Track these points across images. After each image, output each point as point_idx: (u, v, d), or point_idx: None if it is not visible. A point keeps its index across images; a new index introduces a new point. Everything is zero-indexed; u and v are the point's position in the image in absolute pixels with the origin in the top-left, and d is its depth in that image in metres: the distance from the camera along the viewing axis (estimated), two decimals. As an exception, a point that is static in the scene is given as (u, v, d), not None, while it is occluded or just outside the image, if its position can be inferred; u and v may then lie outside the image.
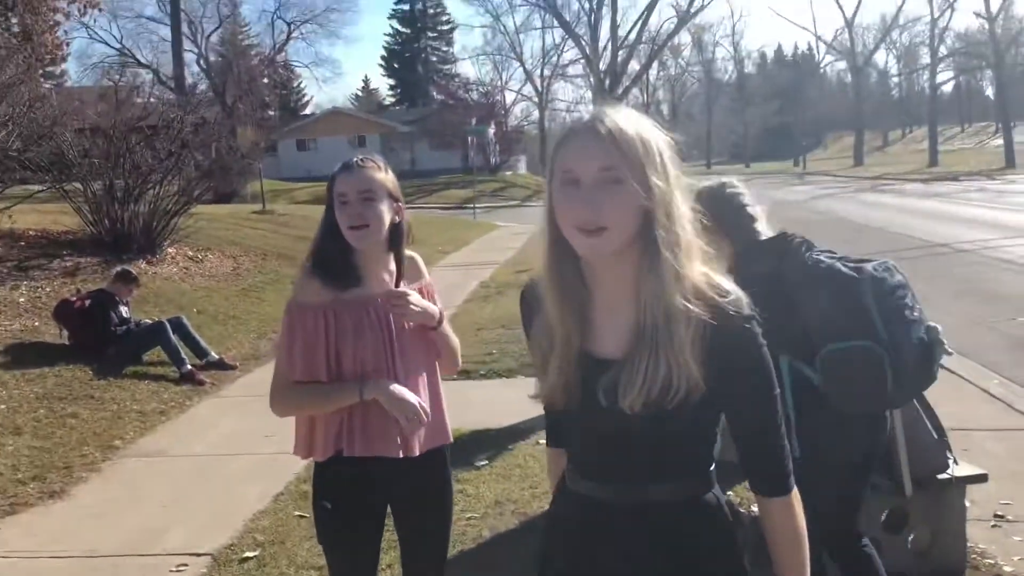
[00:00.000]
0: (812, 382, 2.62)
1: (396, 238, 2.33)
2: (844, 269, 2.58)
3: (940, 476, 3.30)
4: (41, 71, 11.99)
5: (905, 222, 18.07)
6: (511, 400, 6.36)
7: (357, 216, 2.21)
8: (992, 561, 3.60)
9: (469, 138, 33.51)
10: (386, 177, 2.28)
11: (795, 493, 1.50)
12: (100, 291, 7.86)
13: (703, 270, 1.44)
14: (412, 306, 2.26)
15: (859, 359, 2.53)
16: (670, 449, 1.48)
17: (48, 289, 9.08)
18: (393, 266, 2.37)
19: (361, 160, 2.27)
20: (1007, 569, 3.53)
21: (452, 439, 2.51)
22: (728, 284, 1.45)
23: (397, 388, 2.24)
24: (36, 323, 8.10)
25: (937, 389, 3.48)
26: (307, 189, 35.63)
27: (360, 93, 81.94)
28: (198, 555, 3.96)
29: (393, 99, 71.62)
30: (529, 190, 44.99)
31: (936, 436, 3.24)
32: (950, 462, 3.33)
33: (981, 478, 3.45)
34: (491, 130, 49.76)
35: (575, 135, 1.42)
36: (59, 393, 6.54)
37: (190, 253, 11.99)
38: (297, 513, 4.37)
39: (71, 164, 10.91)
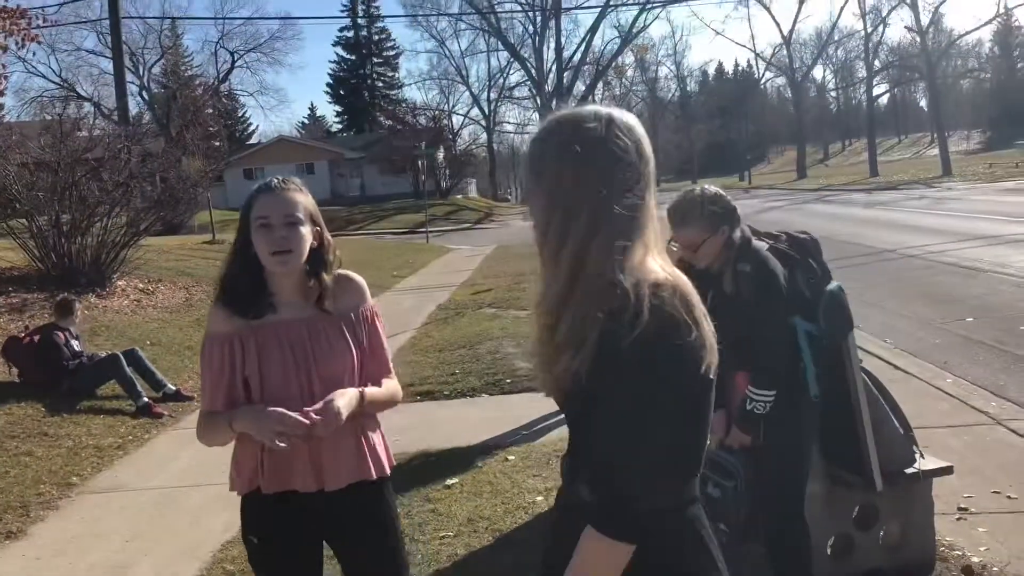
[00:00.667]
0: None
1: (317, 262, 2.20)
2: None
3: (908, 471, 3.36)
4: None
5: (852, 231, 18.48)
6: (476, 419, 6.36)
7: (281, 241, 2.09)
8: (960, 552, 3.67)
9: (419, 162, 33.50)
10: (308, 200, 2.17)
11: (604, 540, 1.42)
12: (49, 326, 7.68)
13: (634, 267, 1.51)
14: (337, 416, 2.07)
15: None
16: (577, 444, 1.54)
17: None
18: (314, 289, 2.22)
19: (282, 181, 2.15)
20: (975, 560, 3.60)
21: (388, 470, 2.32)
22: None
23: (268, 411, 2.05)
24: (-17, 361, 7.86)
25: (894, 389, 3.58)
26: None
27: (307, 120, 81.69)
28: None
29: (340, 126, 71.42)
30: (480, 212, 45.15)
31: (903, 431, 3.31)
32: (917, 456, 3.41)
33: (947, 471, 3.53)
34: (440, 153, 49.88)
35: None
36: (11, 431, 6.35)
37: (140, 285, 11.77)
38: (267, 541, 4.30)
39: (15, 199, 10.67)
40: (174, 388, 7.62)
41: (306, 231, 2.13)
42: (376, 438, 2.30)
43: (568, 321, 1.41)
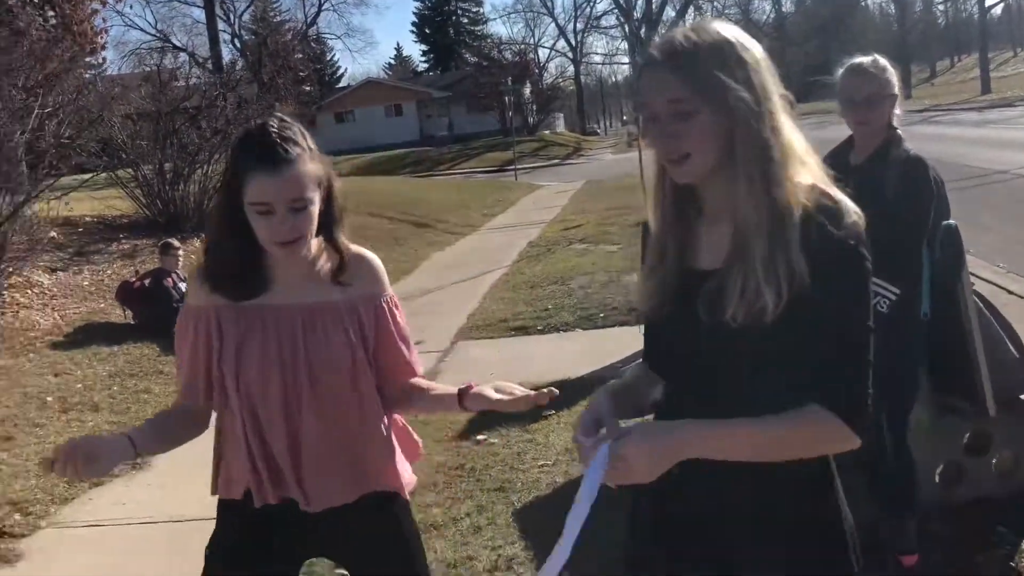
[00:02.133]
0: None
1: (327, 223, 1.77)
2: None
3: (1023, 396, 3.23)
4: (82, 61, 12.16)
5: (961, 151, 17.52)
6: (571, 353, 6.39)
7: (287, 231, 1.66)
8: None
9: (506, 98, 33.31)
10: (314, 165, 1.69)
11: (845, 429, 1.35)
12: (157, 270, 8.03)
13: (806, 180, 1.39)
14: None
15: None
16: (765, 375, 1.40)
17: (109, 272, 9.29)
18: (323, 263, 1.81)
19: (283, 146, 1.63)
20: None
21: (406, 490, 1.96)
22: (836, 193, 1.40)
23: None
24: (102, 304, 8.31)
25: (1007, 313, 3.41)
26: (348, 161, 35.81)
27: (393, 61, 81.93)
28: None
29: (426, 65, 71.43)
30: (568, 148, 44.75)
31: (1017, 354, 3.17)
32: (1032, 382, 3.26)
33: (1064, 396, 3.37)
34: (527, 89, 49.40)
35: (645, 68, 1.43)
36: (130, 370, 6.72)
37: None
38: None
39: (121, 149, 11.10)
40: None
41: (315, 207, 1.70)
42: (379, 452, 1.90)
43: (773, 236, 1.36)
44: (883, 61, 2.87)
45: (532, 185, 24.42)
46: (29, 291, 8.20)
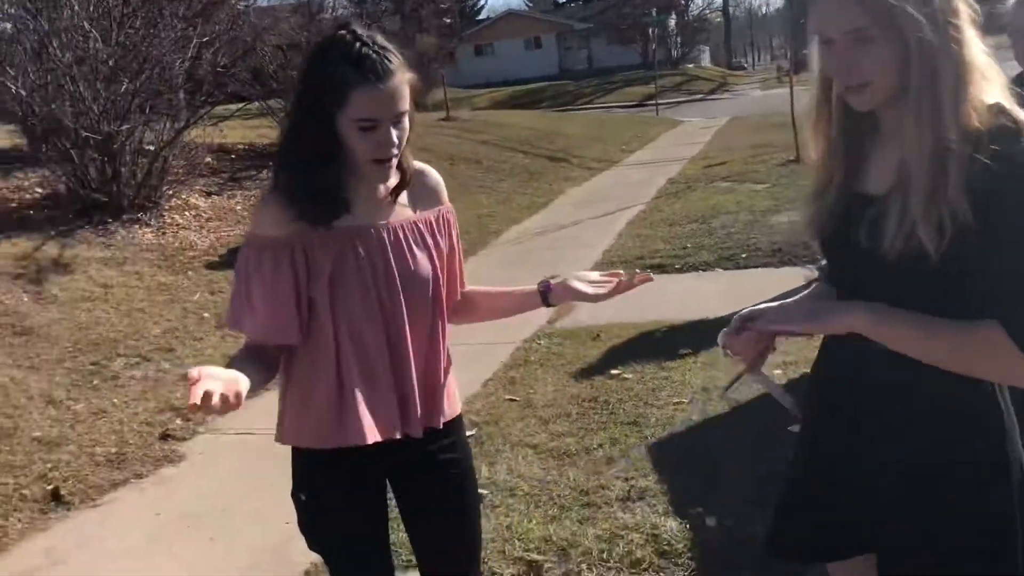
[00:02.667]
0: None
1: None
2: None
3: None
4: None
5: None
6: (709, 292, 6.25)
7: (388, 147, 1.57)
8: None
9: (649, 30, 32.32)
10: (410, 73, 1.59)
11: (1017, 354, 1.25)
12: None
13: (989, 100, 1.30)
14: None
15: None
16: (927, 304, 1.34)
17: (260, 197, 9.69)
18: (394, 179, 1.72)
19: (385, 55, 1.53)
20: None
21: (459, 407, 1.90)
22: (1019, 113, 1.29)
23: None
24: (253, 229, 8.71)
25: None
26: (487, 95, 35.90)
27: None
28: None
29: (568, -4, 70.07)
30: (714, 82, 43.27)
31: None
32: None
33: None
34: (672, 20, 47.88)
35: None
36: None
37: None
38: (507, 397, 4.52)
39: (271, 78, 11.47)
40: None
41: (407, 120, 1.62)
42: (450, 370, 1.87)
43: (936, 173, 1.29)
44: None
45: (673, 120, 23.80)
46: (187, 213, 8.66)
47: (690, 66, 49.92)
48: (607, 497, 3.35)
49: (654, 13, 36.12)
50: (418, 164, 1.77)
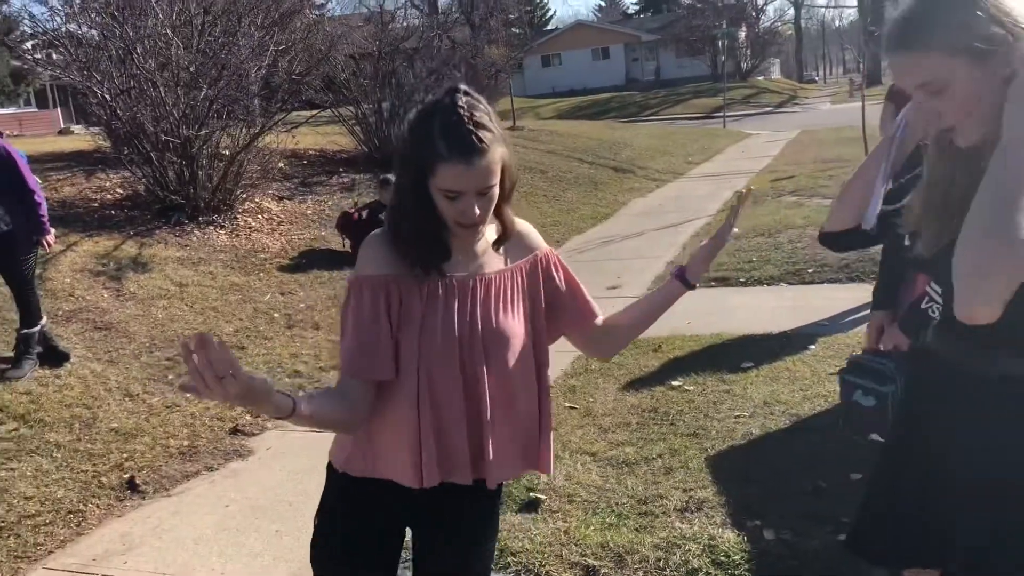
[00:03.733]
0: None
1: (501, 198, 1.72)
2: None
3: None
4: (309, 1, 12.88)
5: None
6: (773, 307, 6.20)
7: (472, 215, 1.64)
8: None
9: (718, 42, 32.03)
10: (502, 149, 1.64)
11: None
12: (374, 203, 8.48)
13: None
14: None
15: None
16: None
17: (330, 203, 9.92)
18: (492, 233, 1.78)
19: (477, 134, 1.58)
20: None
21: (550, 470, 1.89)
22: None
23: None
24: (323, 232, 8.92)
25: None
26: (552, 105, 35.99)
27: (603, 3, 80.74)
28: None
29: (638, 7, 69.90)
30: (783, 95, 42.67)
31: None
32: None
33: None
34: (742, 33, 47.40)
35: (886, 54, 1.41)
36: (346, 295, 7.19)
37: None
38: (567, 404, 4.56)
39: (343, 87, 11.74)
40: (480, 263, 8.20)
41: (496, 189, 1.67)
42: (544, 427, 1.85)
43: None
44: None
45: (741, 133, 23.57)
46: (260, 216, 8.92)
47: (760, 78, 49.33)
48: (665, 507, 3.37)
49: (724, 25, 35.75)
50: (518, 221, 1.82)
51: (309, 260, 8.08)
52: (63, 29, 8.70)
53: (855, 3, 51.90)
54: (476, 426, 1.73)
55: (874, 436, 2.47)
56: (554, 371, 5.03)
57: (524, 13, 53.15)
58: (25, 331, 5.12)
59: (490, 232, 1.76)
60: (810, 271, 7.04)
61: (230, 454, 4.41)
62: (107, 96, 7.98)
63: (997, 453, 1.42)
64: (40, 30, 9.13)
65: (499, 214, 1.74)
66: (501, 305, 1.75)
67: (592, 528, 3.27)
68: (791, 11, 59.84)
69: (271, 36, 9.24)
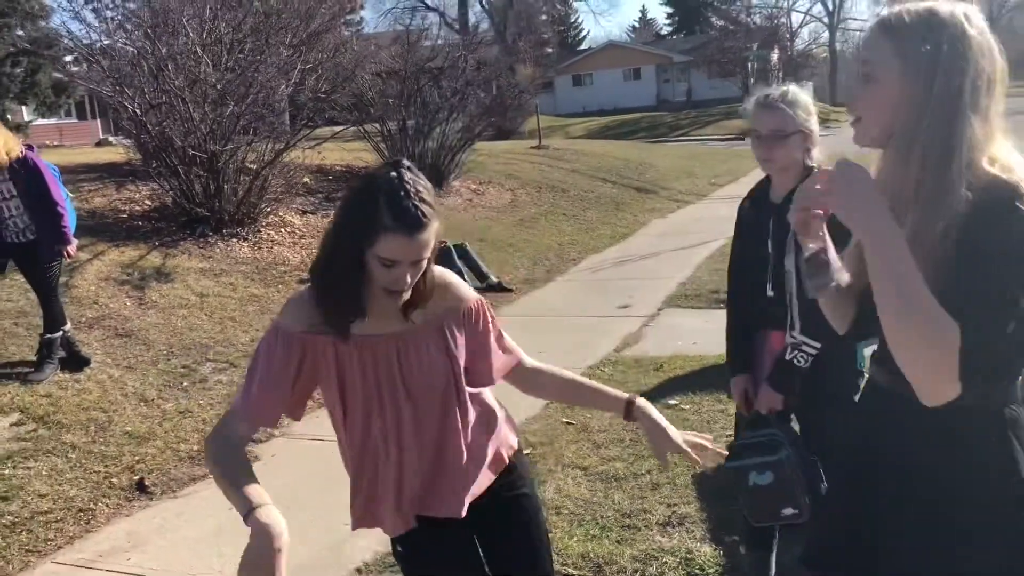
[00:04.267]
0: None
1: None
2: None
3: None
4: (342, 19, 13.17)
5: None
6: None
7: (402, 281, 1.74)
8: None
9: (749, 65, 32.08)
10: (439, 223, 1.74)
11: (956, 368, 1.31)
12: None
13: (988, 154, 1.42)
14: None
15: None
16: None
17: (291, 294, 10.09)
18: (407, 295, 1.82)
19: (421, 210, 1.67)
20: None
21: (516, 443, 2.13)
22: (1016, 162, 1.41)
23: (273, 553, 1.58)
24: (342, 247, 9.10)
25: None
26: (581, 124, 36.15)
27: (636, 24, 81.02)
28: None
29: (670, 28, 70.00)
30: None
31: None
32: None
33: None
34: (774, 55, 47.35)
35: None
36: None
37: (472, 186, 12.77)
38: (564, 420, 4.67)
39: (369, 104, 11.98)
40: (496, 280, 8.33)
41: (427, 260, 1.78)
42: (502, 426, 2.08)
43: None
44: (795, 94, 2.61)
45: (767, 156, 23.51)
46: (282, 230, 9.12)
47: (791, 101, 49.12)
48: (648, 521, 3.46)
49: (755, 48, 35.77)
50: (436, 270, 1.89)
51: (327, 274, 8.25)
52: (97, 45, 8.99)
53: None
54: (406, 470, 1.89)
55: (787, 511, 2.40)
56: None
57: (557, 33, 53.58)
58: (48, 336, 5.33)
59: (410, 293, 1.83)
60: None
61: (237, 459, 4.56)
62: (137, 111, 8.25)
63: (928, 475, 1.51)
64: (78, 44, 9.43)
65: (423, 279, 1.81)
66: (421, 358, 1.86)
67: (575, 539, 3.38)
68: (826, 34, 59.63)
69: (299, 55, 9.48)
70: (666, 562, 3.13)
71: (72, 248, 5.38)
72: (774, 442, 2.45)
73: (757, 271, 2.65)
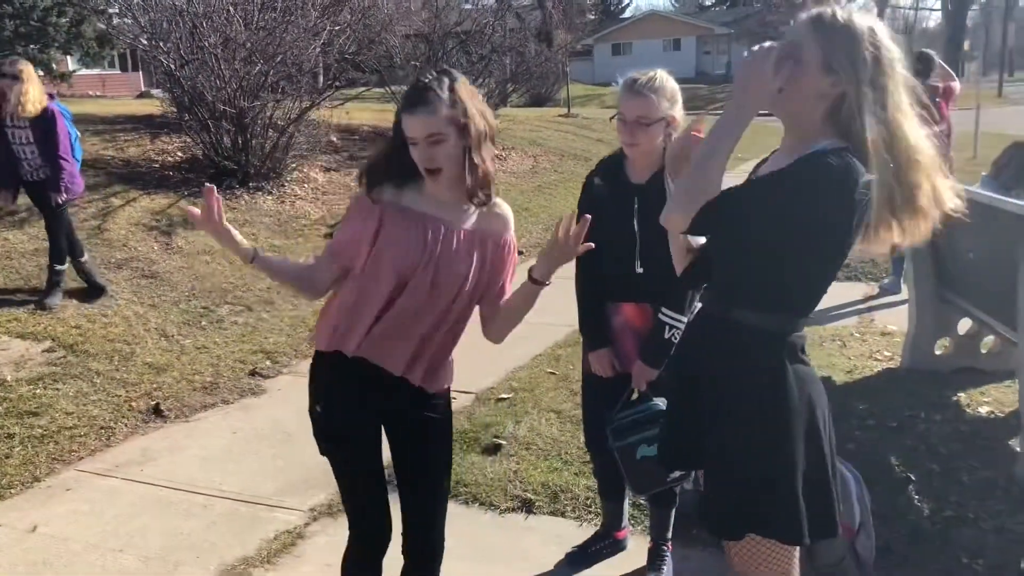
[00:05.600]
0: None
1: (467, 147, 2.08)
2: None
3: None
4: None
5: None
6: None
7: (427, 159, 2.06)
8: None
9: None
10: (448, 110, 2.03)
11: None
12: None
13: None
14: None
15: None
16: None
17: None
18: (467, 189, 2.13)
19: (424, 94, 2.03)
20: None
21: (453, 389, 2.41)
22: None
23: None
24: (362, 204, 9.45)
25: None
26: (616, 94, 35.97)
27: (680, -5, 79.91)
28: (466, 392, 4.71)
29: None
30: (853, 96, 41.88)
31: None
32: None
33: None
34: (815, 30, 46.63)
35: None
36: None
37: (495, 152, 13.03)
38: (548, 370, 5.01)
39: (397, 65, 12.25)
40: (507, 242, 8.66)
41: (452, 143, 2.05)
42: (451, 362, 2.36)
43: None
44: (662, 81, 2.69)
45: (798, 132, 23.43)
46: (306, 185, 9.50)
47: (832, 78, 48.50)
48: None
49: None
50: (498, 200, 2.23)
51: (345, 228, 8.61)
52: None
53: (939, 6, 50.70)
54: (422, 336, 2.18)
55: (675, 474, 2.53)
56: (544, 343, 5.51)
57: (601, 1, 53.07)
58: (55, 267, 5.88)
59: (468, 186, 2.10)
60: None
61: (246, 392, 4.97)
62: (172, 65, 8.62)
63: (731, 382, 1.86)
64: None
65: (469, 160, 2.07)
66: (458, 255, 2.14)
67: (538, 470, 3.73)
68: (874, 10, 58.49)
69: (329, 17, 9.77)
70: (615, 492, 3.47)
71: (60, 198, 5.72)
72: (655, 413, 2.58)
73: (617, 247, 2.68)
